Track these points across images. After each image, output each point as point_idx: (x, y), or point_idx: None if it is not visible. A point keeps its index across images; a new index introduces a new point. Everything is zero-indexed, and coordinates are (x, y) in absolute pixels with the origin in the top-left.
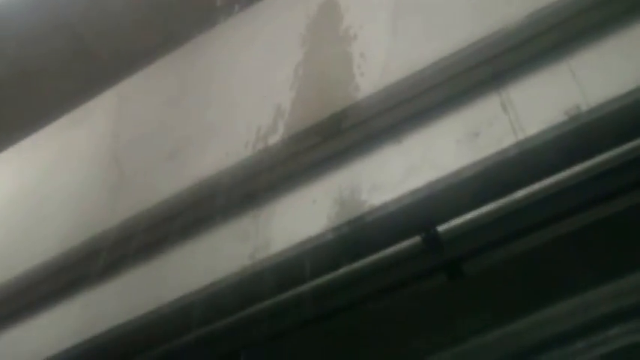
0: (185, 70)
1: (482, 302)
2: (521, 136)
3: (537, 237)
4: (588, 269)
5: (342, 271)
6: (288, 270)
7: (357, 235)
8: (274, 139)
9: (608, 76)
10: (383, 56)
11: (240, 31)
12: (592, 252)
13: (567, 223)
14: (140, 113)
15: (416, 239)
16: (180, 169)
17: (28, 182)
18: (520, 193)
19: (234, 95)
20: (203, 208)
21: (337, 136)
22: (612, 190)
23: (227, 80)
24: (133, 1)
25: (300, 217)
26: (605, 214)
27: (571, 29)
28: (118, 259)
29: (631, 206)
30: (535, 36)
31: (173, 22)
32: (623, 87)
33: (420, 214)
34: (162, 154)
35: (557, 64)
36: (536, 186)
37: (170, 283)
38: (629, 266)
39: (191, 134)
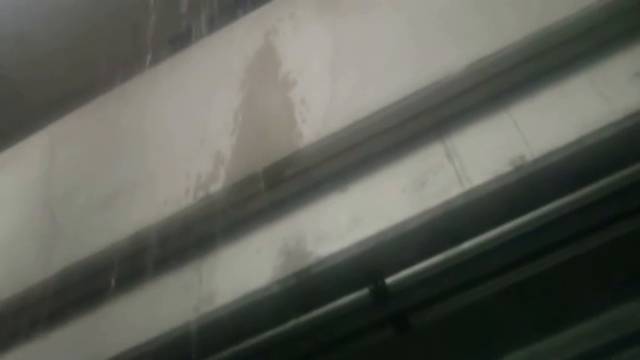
0: (120, 112)
1: (430, 355)
2: (467, 186)
3: (483, 289)
4: (533, 321)
5: (289, 324)
6: (234, 323)
7: (304, 287)
8: (216, 187)
9: (550, 126)
10: (324, 103)
11: (174, 74)
12: (536, 304)
13: (513, 275)
14: (73, 158)
15: (364, 291)
16: (116, 218)
17: None
18: (466, 244)
19: (171, 140)
20: (142, 259)
21: (280, 184)
22: (556, 240)
23: (164, 124)
24: (63, 43)
25: (245, 268)
26: (549, 265)
27: (511, 79)
28: (51, 314)
29: (575, 257)
30: (476, 85)
31: (105, 64)
32: (566, 137)
33: (367, 265)
34: (97, 202)
35: (500, 114)
36: (483, 237)
37: (109, 339)
38: (573, 318)
39: (127, 181)
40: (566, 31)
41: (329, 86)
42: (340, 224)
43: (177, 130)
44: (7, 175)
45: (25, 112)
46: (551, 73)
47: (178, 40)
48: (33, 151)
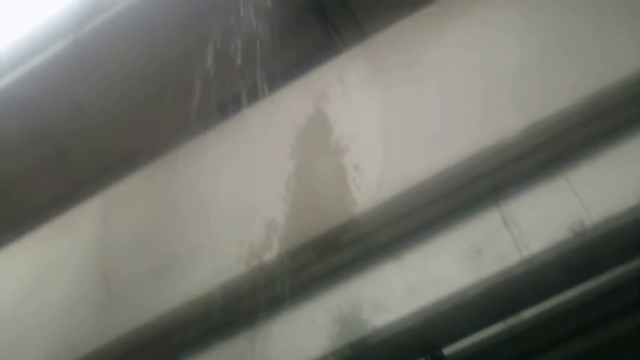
0: (171, 180)
1: None
2: (525, 254)
3: (544, 359)
4: None
5: None
6: None
7: (360, 358)
8: (269, 256)
9: (608, 190)
10: (378, 169)
11: (225, 141)
12: None
13: (574, 345)
14: (126, 224)
15: None
16: (169, 287)
17: (11, 294)
18: (525, 314)
19: (224, 208)
20: (195, 329)
21: (335, 252)
22: (619, 308)
23: (216, 192)
24: (116, 111)
25: (299, 338)
26: (612, 335)
27: (567, 143)
28: None
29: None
30: (532, 150)
31: (158, 129)
32: (626, 202)
33: (424, 335)
34: (150, 270)
35: (557, 178)
36: (542, 306)
37: None
38: None
39: (180, 249)
40: (624, 93)
41: (382, 152)
42: (396, 293)
43: (229, 197)
44: (61, 242)
45: (78, 179)
46: (608, 136)
47: (228, 106)
48: (86, 218)
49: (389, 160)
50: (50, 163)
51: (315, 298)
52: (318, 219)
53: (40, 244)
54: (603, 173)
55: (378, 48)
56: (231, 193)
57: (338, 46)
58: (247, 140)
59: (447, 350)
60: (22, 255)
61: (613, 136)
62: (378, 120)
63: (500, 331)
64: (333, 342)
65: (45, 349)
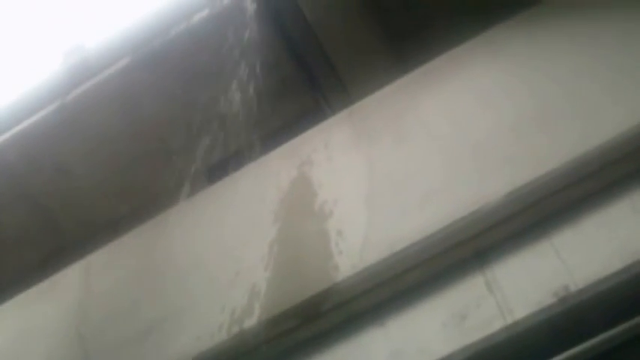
0: (155, 244)
1: None
2: (510, 319)
3: None
4: None
5: None
6: None
7: None
8: (250, 322)
9: (593, 254)
10: (361, 234)
11: (210, 205)
12: None
13: None
14: (108, 288)
15: None
16: (150, 352)
17: None
18: None
19: (207, 272)
20: None
21: (317, 319)
22: None
23: (199, 256)
24: (101, 173)
25: None
26: None
27: (551, 207)
28: None
29: None
30: (516, 214)
31: (143, 193)
32: (611, 265)
33: None
34: (131, 335)
35: (540, 243)
36: None
37: None
38: None
39: (161, 314)
40: (605, 156)
41: (365, 217)
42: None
43: (212, 262)
44: (42, 305)
45: (63, 241)
46: (591, 199)
47: (214, 171)
48: (68, 282)
49: (372, 224)
50: (34, 227)
51: None
52: (300, 285)
53: (20, 309)
54: (588, 236)
55: (364, 113)
56: (214, 257)
57: (325, 111)
58: (232, 205)
59: None
60: (1, 320)
61: (597, 198)
62: (362, 184)
63: None
64: None
65: None
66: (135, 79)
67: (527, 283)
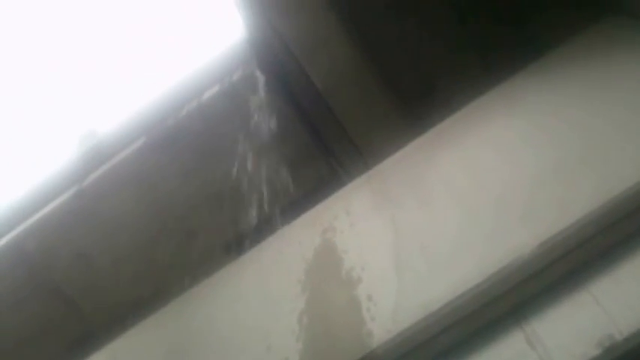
0: (179, 324)
1: None
2: None
3: None
4: None
5: None
6: None
7: None
8: None
9: (634, 300)
10: (392, 298)
11: (233, 280)
12: None
13: None
14: None
15: None
16: None
17: None
18: None
19: (236, 350)
20: None
21: None
22: None
23: (227, 334)
24: (119, 256)
25: None
26: None
27: (585, 255)
28: None
29: None
30: (550, 264)
31: (166, 275)
32: None
33: None
34: None
35: (578, 293)
36: None
37: None
38: None
39: None
40: (635, 201)
41: (395, 280)
42: None
43: (241, 339)
44: None
45: (87, 328)
46: (624, 245)
47: (236, 245)
48: None
49: (403, 287)
50: (57, 316)
51: None
52: (334, 354)
53: None
54: (626, 282)
55: (382, 176)
56: (243, 334)
57: (342, 177)
58: (257, 279)
59: None
60: None
61: (630, 243)
62: (389, 248)
63: None
64: None
65: None
66: (149, 160)
67: (569, 335)
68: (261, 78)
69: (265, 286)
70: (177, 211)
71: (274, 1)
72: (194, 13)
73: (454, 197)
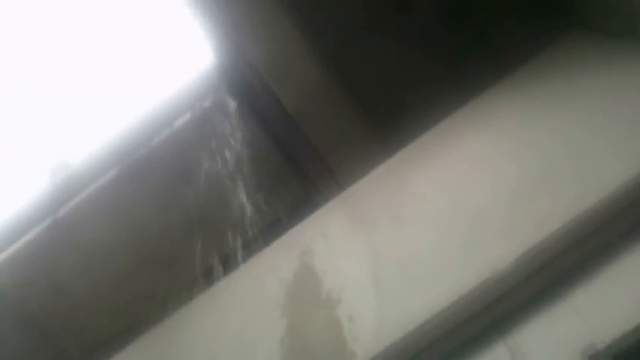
0: (159, 353)
1: None
2: None
3: None
4: None
5: None
6: None
7: None
8: None
9: (614, 309)
10: (373, 318)
11: (214, 307)
12: None
13: None
14: None
15: None
16: None
17: None
18: None
19: None
20: None
21: None
22: None
23: None
24: (97, 288)
25: None
26: None
27: (563, 266)
28: None
29: None
30: (528, 277)
31: (143, 304)
32: (634, 318)
33: None
34: None
35: (558, 304)
36: None
37: None
38: None
39: None
40: (611, 210)
41: (375, 300)
42: None
43: None
44: None
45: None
46: (602, 255)
47: (213, 271)
48: None
49: (383, 307)
50: (35, 351)
51: None
52: None
53: None
54: (605, 292)
55: (356, 198)
56: None
57: (317, 199)
58: (236, 304)
59: None
60: None
61: (607, 253)
62: (367, 268)
63: None
64: None
65: None
66: (123, 190)
67: (552, 346)
68: (232, 103)
69: (245, 311)
70: (154, 239)
71: (242, 27)
72: (163, 42)
73: (429, 215)
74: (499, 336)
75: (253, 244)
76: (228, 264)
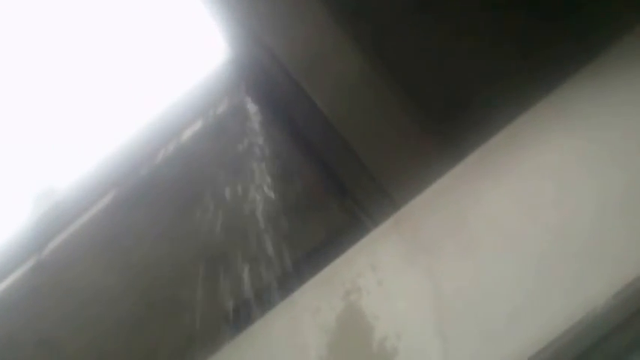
0: None
1: None
2: None
3: None
4: None
5: None
6: None
7: None
8: None
9: None
10: None
11: (242, 358)
12: None
13: None
14: None
15: None
16: None
17: None
18: None
19: None
20: None
21: None
22: None
23: None
24: (87, 339)
25: None
26: None
27: None
28: None
29: None
30: (631, 318)
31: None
32: None
33: None
34: None
35: None
36: None
37: None
38: None
39: None
40: None
41: (440, 349)
42: None
43: None
44: None
45: None
46: None
47: (238, 315)
48: None
49: (450, 358)
50: None
51: None
52: None
53: None
54: None
55: (413, 219)
56: None
57: (364, 222)
58: (266, 357)
59: None
60: None
61: None
62: (428, 309)
63: None
64: None
65: None
66: (121, 220)
67: None
68: (252, 107)
69: None
70: (158, 279)
71: (260, 13)
72: (166, 35)
73: (504, 241)
74: None
75: (285, 282)
76: (255, 308)
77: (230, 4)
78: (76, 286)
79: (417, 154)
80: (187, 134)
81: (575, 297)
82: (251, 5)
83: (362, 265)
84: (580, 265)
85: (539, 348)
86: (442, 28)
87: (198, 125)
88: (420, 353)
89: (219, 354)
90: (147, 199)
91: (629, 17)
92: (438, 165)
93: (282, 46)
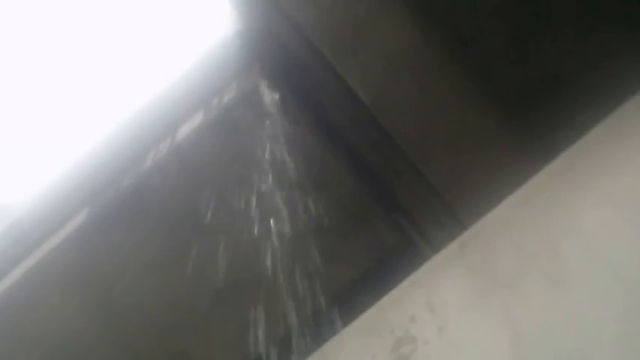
0: None
1: None
2: None
3: None
4: None
5: None
6: None
7: None
8: None
9: None
10: None
11: None
12: None
13: None
14: None
15: None
16: None
17: None
18: None
19: None
20: None
21: None
22: None
23: None
24: None
25: None
26: None
27: None
28: None
29: None
30: None
31: None
32: None
33: None
34: None
35: None
36: None
37: None
38: None
39: None
40: None
41: None
42: None
43: None
44: None
45: None
46: None
47: None
48: None
49: None
50: None
51: None
52: None
53: None
54: None
55: (485, 241)
56: None
57: (420, 247)
58: None
59: None
60: None
61: None
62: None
63: None
64: None
65: None
66: (97, 244)
67: None
68: (269, 94)
69: None
70: (145, 320)
71: None
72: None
73: (604, 270)
74: None
75: (315, 328)
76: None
77: None
78: (39, 332)
79: (489, 157)
80: (184, 131)
81: None
82: None
83: (417, 306)
84: None
85: None
86: None
87: (197, 119)
88: None
89: None
90: (130, 217)
91: None
92: (516, 170)
93: (305, 12)
